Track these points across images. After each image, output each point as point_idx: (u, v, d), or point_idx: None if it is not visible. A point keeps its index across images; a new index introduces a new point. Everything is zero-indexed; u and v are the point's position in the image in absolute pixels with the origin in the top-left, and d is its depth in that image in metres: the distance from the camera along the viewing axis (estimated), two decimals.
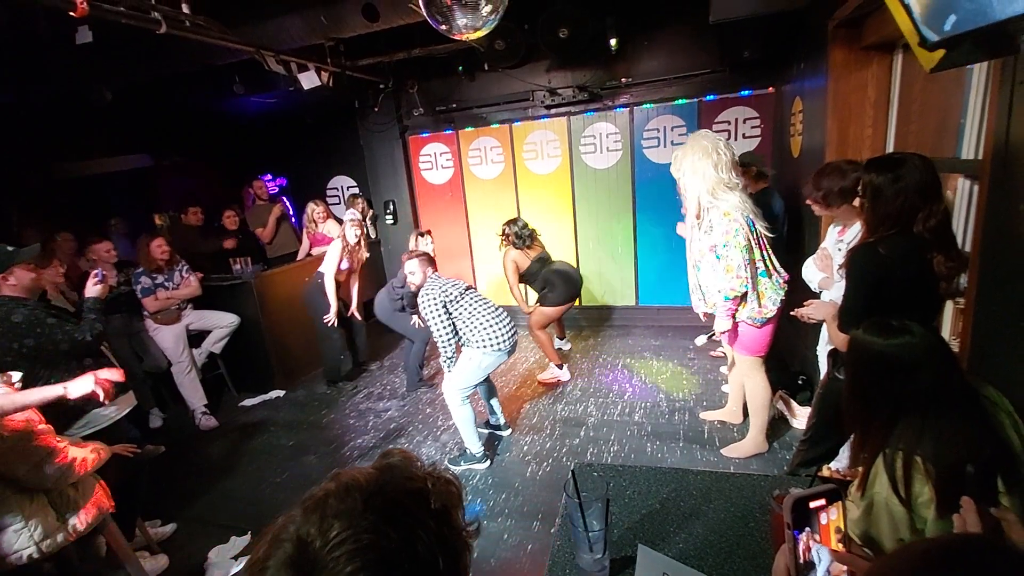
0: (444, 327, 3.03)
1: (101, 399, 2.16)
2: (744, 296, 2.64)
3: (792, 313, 2.32)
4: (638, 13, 4.55)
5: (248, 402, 4.43)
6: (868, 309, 1.70)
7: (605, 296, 5.56)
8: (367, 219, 5.51)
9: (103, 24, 2.63)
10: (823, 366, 2.40)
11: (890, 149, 2.74)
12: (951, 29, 0.95)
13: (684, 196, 2.80)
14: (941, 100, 2.31)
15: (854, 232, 2.29)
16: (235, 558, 2.66)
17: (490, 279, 5.86)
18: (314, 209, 5.22)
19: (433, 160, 5.79)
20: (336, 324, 4.32)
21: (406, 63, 4.89)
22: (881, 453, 1.14)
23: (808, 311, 2.20)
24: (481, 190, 5.68)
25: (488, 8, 2.12)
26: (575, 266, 5.43)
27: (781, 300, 2.69)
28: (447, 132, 5.62)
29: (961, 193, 2.06)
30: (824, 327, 2.34)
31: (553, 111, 5.17)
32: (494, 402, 3.51)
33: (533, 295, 4.42)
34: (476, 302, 3.13)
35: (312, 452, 3.61)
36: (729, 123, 4.70)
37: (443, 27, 2.20)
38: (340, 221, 5.45)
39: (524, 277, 4.24)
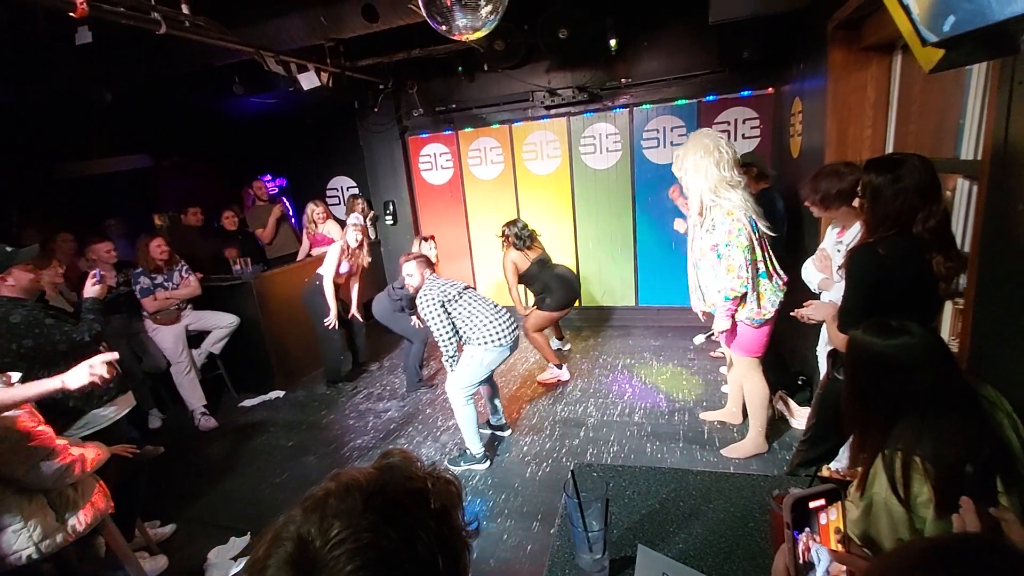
0: (444, 327, 3.03)
1: (100, 383, 2.14)
2: (744, 297, 2.64)
3: (792, 314, 2.32)
4: (638, 13, 4.55)
5: (247, 403, 4.43)
6: (867, 309, 1.70)
7: (605, 296, 5.56)
8: (367, 220, 5.51)
9: (103, 25, 2.63)
10: (823, 366, 2.40)
11: (889, 150, 2.74)
12: (950, 30, 0.95)
13: (686, 195, 2.80)
14: (940, 101, 2.31)
15: (853, 233, 2.29)
16: (234, 559, 2.66)
17: (490, 280, 5.86)
18: (314, 210, 5.22)
19: (433, 161, 5.79)
20: (336, 326, 4.33)
21: (406, 64, 4.89)
22: (880, 453, 1.14)
23: (808, 312, 2.21)
24: (481, 190, 5.68)
25: (488, 9, 2.12)
26: (575, 267, 5.45)
27: (780, 302, 2.70)
28: (447, 132, 5.62)
29: (960, 193, 2.06)
30: (824, 327, 2.34)
31: (553, 112, 5.17)
32: (497, 402, 3.52)
33: (532, 297, 4.42)
34: (474, 300, 3.14)
35: (312, 453, 3.61)
36: (729, 124, 4.70)
37: (443, 28, 2.20)
38: (340, 222, 5.47)
39: (523, 279, 4.24)
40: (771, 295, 2.68)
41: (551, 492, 2.91)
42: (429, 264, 3.31)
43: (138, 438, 2.89)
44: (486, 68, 4.94)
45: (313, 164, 6.32)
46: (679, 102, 4.80)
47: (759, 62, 4.15)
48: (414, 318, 4.17)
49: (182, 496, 3.22)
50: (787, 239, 3.48)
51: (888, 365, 1.18)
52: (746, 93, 4.59)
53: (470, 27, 2.17)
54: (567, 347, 4.93)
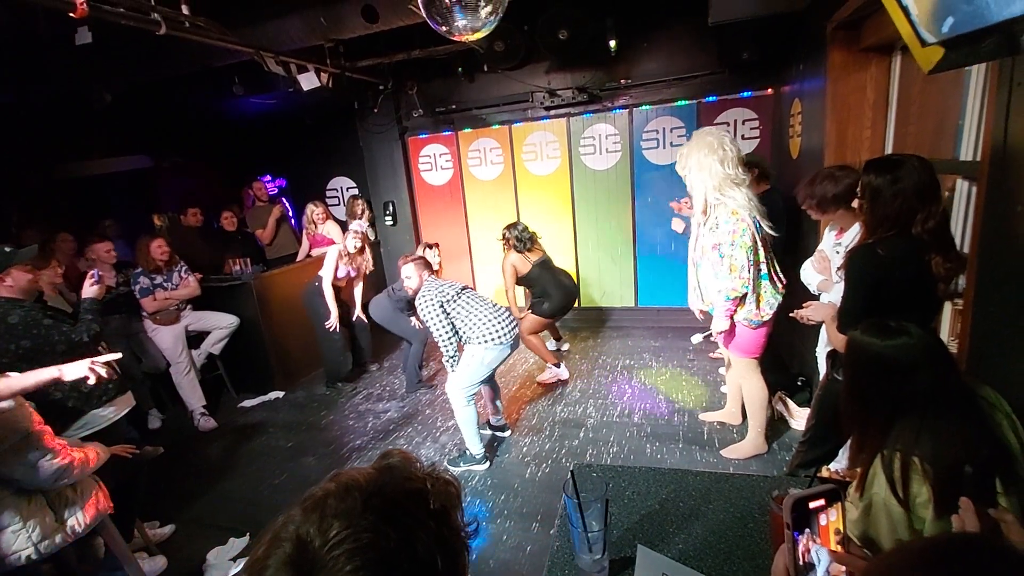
0: (443, 327, 3.04)
1: (95, 380, 2.16)
2: (744, 297, 2.64)
3: (791, 314, 2.33)
4: (637, 14, 4.56)
5: (247, 403, 4.43)
6: (867, 310, 1.70)
7: (604, 297, 5.55)
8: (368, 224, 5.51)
9: (103, 25, 2.63)
10: (822, 367, 2.40)
11: (889, 150, 2.75)
12: (949, 31, 0.96)
13: (689, 194, 2.79)
14: (939, 102, 2.31)
15: (851, 235, 2.29)
16: (233, 559, 2.65)
17: (490, 281, 5.86)
18: (313, 210, 5.21)
19: (432, 161, 5.79)
20: (337, 328, 4.33)
21: (405, 64, 4.89)
22: (879, 454, 1.14)
23: (807, 312, 2.21)
24: (480, 191, 5.68)
25: (487, 9, 2.12)
26: (575, 267, 5.45)
27: (778, 305, 2.69)
28: (446, 133, 5.62)
29: (959, 194, 2.06)
30: (823, 328, 2.34)
31: (552, 112, 5.17)
32: (499, 403, 3.52)
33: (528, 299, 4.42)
34: (473, 299, 3.14)
35: (311, 453, 3.61)
36: (728, 124, 4.70)
37: (443, 28, 2.21)
38: (340, 222, 5.47)
39: (524, 281, 4.24)
40: (770, 297, 2.68)
41: (551, 493, 2.91)
42: (427, 266, 3.31)
43: (137, 438, 2.89)
44: (486, 69, 4.94)
45: (313, 165, 6.32)
46: (679, 103, 4.80)
47: (759, 63, 4.15)
48: (413, 319, 4.16)
49: (181, 497, 3.21)
50: (786, 240, 3.48)
51: (887, 366, 1.18)
52: (746, 94, 4.60)
53: (470, 28, 2.18)
54: (565, 347, 4.93)
